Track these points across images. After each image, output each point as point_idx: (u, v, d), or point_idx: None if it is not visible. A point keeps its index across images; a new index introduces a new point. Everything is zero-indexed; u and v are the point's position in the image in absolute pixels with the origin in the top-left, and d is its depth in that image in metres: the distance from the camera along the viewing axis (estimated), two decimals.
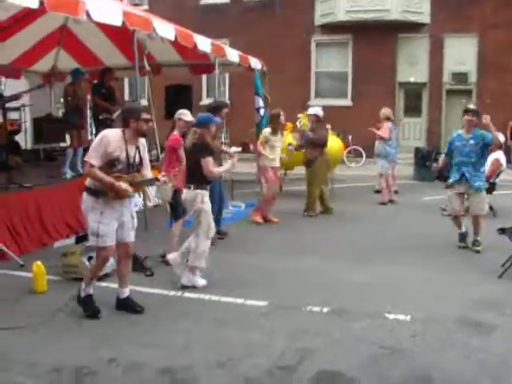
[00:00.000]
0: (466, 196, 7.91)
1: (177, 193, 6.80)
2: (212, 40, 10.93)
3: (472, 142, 7.67)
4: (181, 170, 6.85)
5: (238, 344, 4.73)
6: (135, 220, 5.48)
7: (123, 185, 5.10)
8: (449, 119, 19.29)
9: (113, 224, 5.22)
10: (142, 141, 5.37)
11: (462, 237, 8.06)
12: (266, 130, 9.72)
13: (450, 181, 7.94)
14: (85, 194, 5.24)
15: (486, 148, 7.74)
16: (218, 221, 8.29)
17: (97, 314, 5.35)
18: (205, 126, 6.27)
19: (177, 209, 6.99)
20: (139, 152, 5.29)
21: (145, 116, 5.21)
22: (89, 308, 5.39)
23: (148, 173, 5.50)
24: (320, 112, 10.44)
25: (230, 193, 11.89)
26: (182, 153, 6.85)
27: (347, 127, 17.75)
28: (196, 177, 6.19)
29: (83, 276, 5.56)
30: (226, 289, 6.13)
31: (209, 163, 6.15)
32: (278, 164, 9.78)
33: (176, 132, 7.13)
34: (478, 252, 7.72)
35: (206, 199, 6.21)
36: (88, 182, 5.23)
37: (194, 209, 6.24)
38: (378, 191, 12.74)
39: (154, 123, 9.58)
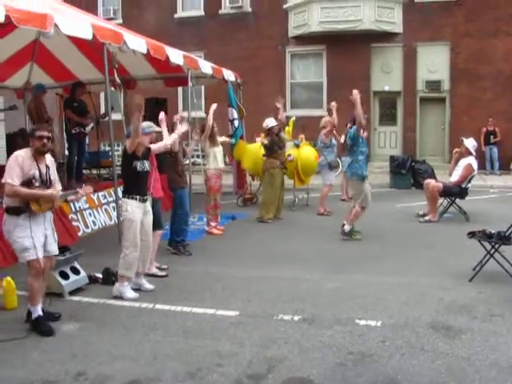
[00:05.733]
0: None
1: (154, 202, 6.79)
2: (185, 52, 10.98)
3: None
4: (155, 178, 6.89)
5: (207, 354, 4.72)
6: (55, 234, 5.57)
7: (48, 191, 5.27)
8: (423, 127, 19.47)
9: (40, 237, 5.29)
10: (49, 158, 5.49)
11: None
12: None
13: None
14: (6, 216, 5.27)
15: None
16: (181, 231, 8.30)
17: (50, 334, 5.21)
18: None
19: (154, 219, 6.73)
20: (49, 169, 5.42)
21: (38, 134, 5.28)
22: (42, 329, 5.26)
23: (60, 188, 5.61)
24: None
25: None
26: (154, 161, 6.90)
27: None
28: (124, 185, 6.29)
29: (30, 299, 5.38)
30: (198, 300, 6.13)
31: None
32: None
33: None
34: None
35: (130, 208, 6.18)
36: (7, 202, 5.25)
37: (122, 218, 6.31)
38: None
39: None
